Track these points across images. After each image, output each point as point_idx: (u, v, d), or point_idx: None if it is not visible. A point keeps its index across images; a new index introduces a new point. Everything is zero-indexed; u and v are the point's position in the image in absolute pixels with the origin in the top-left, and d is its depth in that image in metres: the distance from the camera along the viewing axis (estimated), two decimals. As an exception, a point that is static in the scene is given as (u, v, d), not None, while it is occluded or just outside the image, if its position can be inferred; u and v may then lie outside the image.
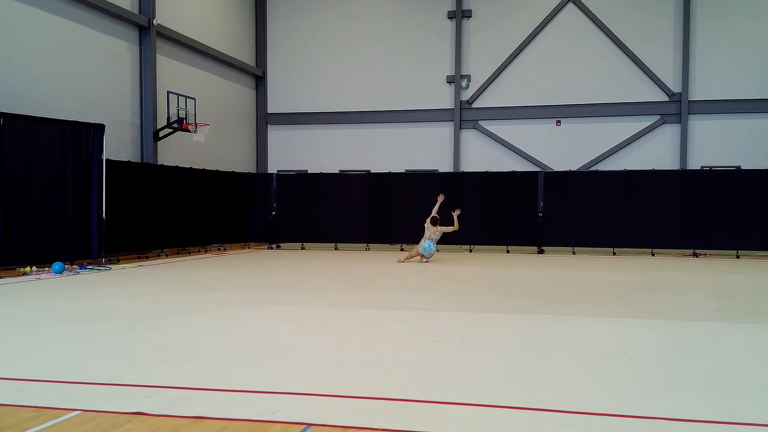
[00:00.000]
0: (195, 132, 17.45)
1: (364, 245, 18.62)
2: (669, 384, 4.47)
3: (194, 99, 17.76)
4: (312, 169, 21.31)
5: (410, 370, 4.79)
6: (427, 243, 14.00)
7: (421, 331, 6.30)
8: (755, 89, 19.41)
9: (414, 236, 17.06)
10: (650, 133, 20.28)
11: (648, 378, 4.63)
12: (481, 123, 21.57)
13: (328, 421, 3.67)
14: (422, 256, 14.07)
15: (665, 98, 20.13)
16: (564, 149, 20.76)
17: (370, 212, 18.30)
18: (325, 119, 22.71)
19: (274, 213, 18.89)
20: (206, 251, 17.24)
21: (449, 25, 21.71)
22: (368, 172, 20.13)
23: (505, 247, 17.69)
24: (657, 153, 20.12)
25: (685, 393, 4.26)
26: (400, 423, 3.64)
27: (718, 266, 13.70)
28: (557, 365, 4.97)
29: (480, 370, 4.80)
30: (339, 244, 18.75)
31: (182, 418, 3.74)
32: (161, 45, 17.80)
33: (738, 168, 18.46)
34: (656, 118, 20.23)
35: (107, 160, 13.57)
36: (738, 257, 16.05)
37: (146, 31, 17.06)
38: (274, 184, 18.98)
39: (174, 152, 17.97)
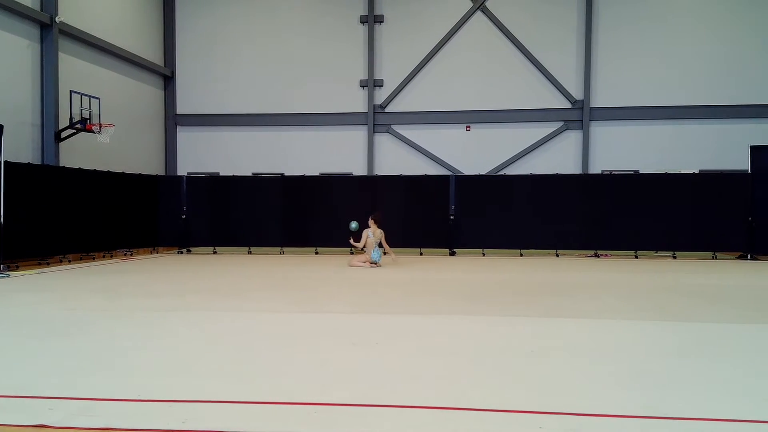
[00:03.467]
0: (99, 133, 16.85)
1: (278, 249, 18.47)
2: (585, 380, 4.67)
3: (99, 99, 17.16)
4: (224, 172, 20.97)
5: (327, 373, 4.81)
6: (376, 250, 13.77)
7: (337, 334, 6.33)
8: (652, 97, 20.54)
9: (330, 239, 17.11)
10: (555, 138, 21.10)
11: (563, 375, 4.82)
12: (395, 127, 21.83)
13: (241, 428, 3.64)
14: (374, 263, 13.79)
15: (568, 105, 20.99)
16: (474, 154, 21.30)
17: (284, 215, 18.17)
18: (237, 121, 22.40)
19: (184, 216, 18.45)
20: (112, 256, 16.65)
21: (362, 30, 21.87)
22: (282, 175, 19.99)
23: (419, 249, 17.95)
24: (561, 157, 20.97)
25: (600, 388, 4.46)
26: (317, 427, 3.66)
27: (619, 266, 14.39)
28: (477, 365, 5.10)
29: (402, 371, 4.87)
30: (253, 248, 18.52)
31: (87, 430, 3.63)
32: (64, 43, 17.10)
33: (636, 172, 19.46)
34: (560, 124, 21.07)
35: (5, 162, 12.88)
36: (636, 257, 16.90)
37: (48, 29, 16.35)
38: (185, 186, 18.54)
39: (78, 154, 17.30)
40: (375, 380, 4.64)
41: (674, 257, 16.92)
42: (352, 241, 14.17)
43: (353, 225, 14.07)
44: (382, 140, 22.01)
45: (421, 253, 17.74)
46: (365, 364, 5.13)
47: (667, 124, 20.56)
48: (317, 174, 20.49)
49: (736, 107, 20.15)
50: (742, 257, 16.72)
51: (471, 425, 3.70)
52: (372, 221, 13.89)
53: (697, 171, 19.12)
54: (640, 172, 19.37)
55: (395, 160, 21.69)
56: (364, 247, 13.89)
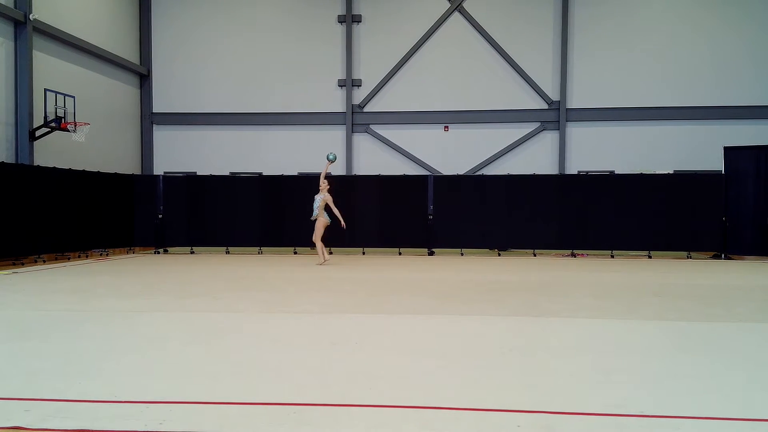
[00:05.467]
0: (74, 131, 16.66)
1: (256, 249, 18.39)
2: (557, 379, 4.72)
3: (73, 97, 16.97)
4: (201, 171, 20.83)
5: (306, 374, 4.81)
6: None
7: (316, 334, 6.33)
8: (627, 98, 20.76)
9: (308, 239, 17.10)
10: (532, 139, 21.24)
11: (538, 373, 4.87)
12: (373, 127, 21.83)
13: (219, 429, 3.64)
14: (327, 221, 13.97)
15: (545, 106, 21.14)
16: (452, 154, 21.37)
17: (262, 215, 18.11)
18: (214, 120, 22.25)
19: (160, 216, 18.30)
20: (87, 256, 16.48)
21: (340, 29, 21.84)
22: (260, 174, 19.90)
23: (397, 249, 17.98)
24: (538, 158, 21.11)
25: (572, 387, 4.51)
26: (295, 428, 3.66)
27: (595, 266, 14.53)
28: (452, 364, 5.13)
29: (376, 371, 4.89)
30: (230, 248, 18.42)
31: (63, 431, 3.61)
32: (38, 41, 16.88)
33: (611, 172, 19.67)
34: (537, 124, 21.21)
35: (-23, 161, 12.72)
36: (612, 257, 17.08)
37: (22, 26, 16.14)
38: (161, 186, 18.39)
39: (53, 153, 17.08)
40: (354, 380, 4.65)
41: (650, 257, 17.12)
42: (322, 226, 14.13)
43: (331, 156, 14.29)
44: (361, 140, 22.00)
45: (399, 253, 17.77)
46: (344, 364, 5.14)
47: (643, 125, 20.80)
48: (295, 174, 20.42)
49: (710, 108, 20.43)
50: (716, 257, 16.97)
51: (448, 424, 3.73)
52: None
53: (671, 171, 19.38)
54: (616, 172, 19.58)
55: (374, 160, 21.69)
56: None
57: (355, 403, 4.09)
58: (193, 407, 4.02)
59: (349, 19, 21.68)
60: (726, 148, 17.17)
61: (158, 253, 18.23)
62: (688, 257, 17.03)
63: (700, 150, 20.13)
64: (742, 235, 16.74)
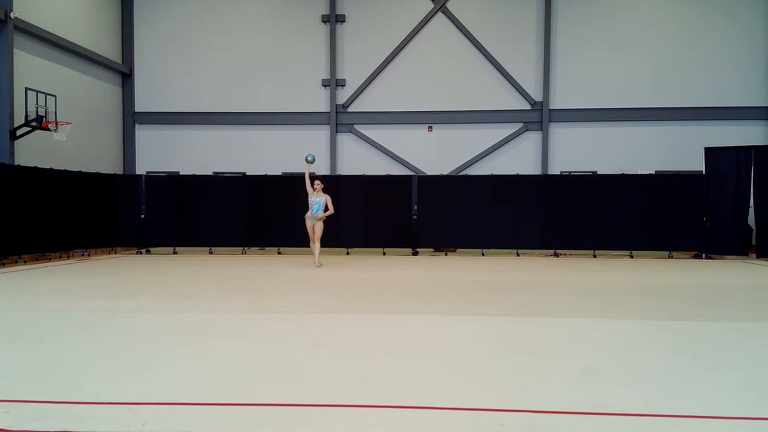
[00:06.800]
0: (56, 131, 16.50)
1: (240, 249, 18.31)
2: (543, 378, 4.74)
3: (55, 96, 16.82)
4: (184, 171, 20.71)
5: (290, 374, 4.80)
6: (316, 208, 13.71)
7: (301, 334, 6.31)
8: (609, 99, 20.91)
9: (292, 239, 17.08)
10: (515, 139, 21.33)
11: (523, 372, 4.89)
12: (357, 127, 21.82)
13: (202, 430, 3.61)
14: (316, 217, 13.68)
15: (528, 106, 21.24)
16: (436, 154, 21.42)
17: (246, 215, 18.02)
18: (197, 119, 22.13)
19: (143, 216, 18.16)
20: (69, 257, 16.32)
21: (324, 29, 21.80)
22: (244, 174, 19.80)
23: (381, 249, 17.98)
24: (521, 158, 21.21)
25: (558, 386, 4.53)
26: (279, 428, 3.65)
27: (578, 266, 14.61)
28: (438, 363, 5.14)
29: (361, 371, 4.88)
30: (214, 248, 18.32)
31: (45, 434, 3.57)
32: (19, 39, 16.70)
33: (594, 173, 19.79)
34: (520, 125, 21.31)
35: (-44, 160, 12.56)
36: (595, 257, 17.19)
37: (3, 25, 15.96)
38: (143, 185, 18.25)
39: (34, 152, 16.91)
40: (339, 380, 4.64)
41: (631, 256, 17.24)
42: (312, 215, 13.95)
43: (309, 157, 13.91)
44: (345, 140, 21.98)
45: (384, 253, 17.77)
46: (328, 364, 5.13)
47: (625, 126, 20.96)
48: (279, 173, 20.36)
49: (692, 109, 20.63)
50: (697, 256, 17.13)
51: (434, 424, 3.73)
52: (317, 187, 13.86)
53: (653, 172, 19.54)
54: (598, 172, 19.70)
55: (358, 160, 21.68)
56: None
57: (339, 404, 4.08)
58: (177, 408, 3.99)
59: (333, 19, 21.65)
60: (707, 149, 17.33)
61: (141, 253, 18.10)
62: (669, 257, 17.18)
63: (682, 150, 20.33)
64: (722, 235, 16.90)
